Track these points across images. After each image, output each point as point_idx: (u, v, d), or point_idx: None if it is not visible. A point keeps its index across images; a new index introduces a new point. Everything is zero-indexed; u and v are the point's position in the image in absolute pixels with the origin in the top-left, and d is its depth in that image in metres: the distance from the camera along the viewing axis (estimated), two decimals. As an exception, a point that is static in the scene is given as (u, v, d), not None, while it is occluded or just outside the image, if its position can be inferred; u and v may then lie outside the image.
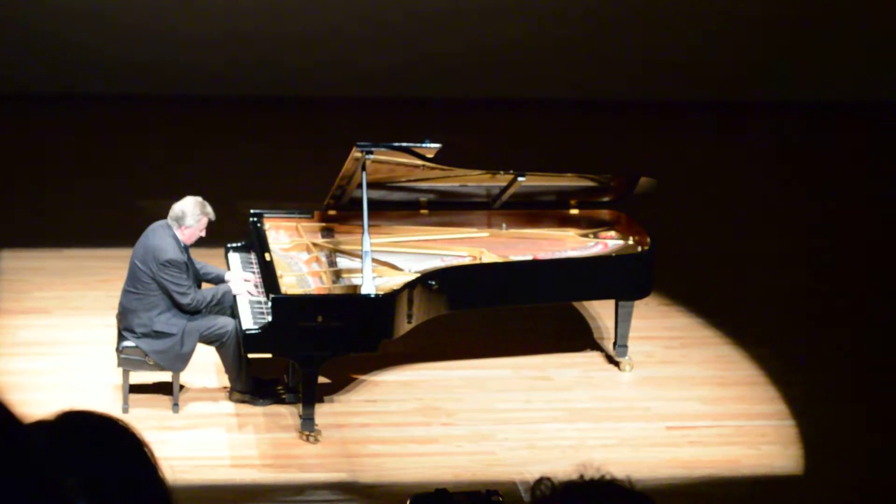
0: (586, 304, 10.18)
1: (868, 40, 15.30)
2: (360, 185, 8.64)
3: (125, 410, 8.45)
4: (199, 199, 8.47)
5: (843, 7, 15.21)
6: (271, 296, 8.22)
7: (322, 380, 8.64)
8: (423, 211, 9.48)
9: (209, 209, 8.46)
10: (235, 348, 8.47)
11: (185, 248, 8.48)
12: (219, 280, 8.73)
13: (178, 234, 8.41)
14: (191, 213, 8.39)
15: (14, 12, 14.25)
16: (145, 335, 8.43)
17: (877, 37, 15.30)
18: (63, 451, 2.22)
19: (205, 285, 8.70)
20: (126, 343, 8.47)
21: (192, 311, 8.43)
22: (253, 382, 8.72)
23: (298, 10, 14.63)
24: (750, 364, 9.67)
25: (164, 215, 8.50)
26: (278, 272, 8.58)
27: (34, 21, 14.26)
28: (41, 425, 2.25)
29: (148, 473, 2.28)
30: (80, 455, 2.24)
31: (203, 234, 8.49)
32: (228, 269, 8.96)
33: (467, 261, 9.08)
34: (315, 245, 9.14)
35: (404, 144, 8.63)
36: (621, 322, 9.32)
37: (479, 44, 14.82)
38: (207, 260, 8.96)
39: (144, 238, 8.50)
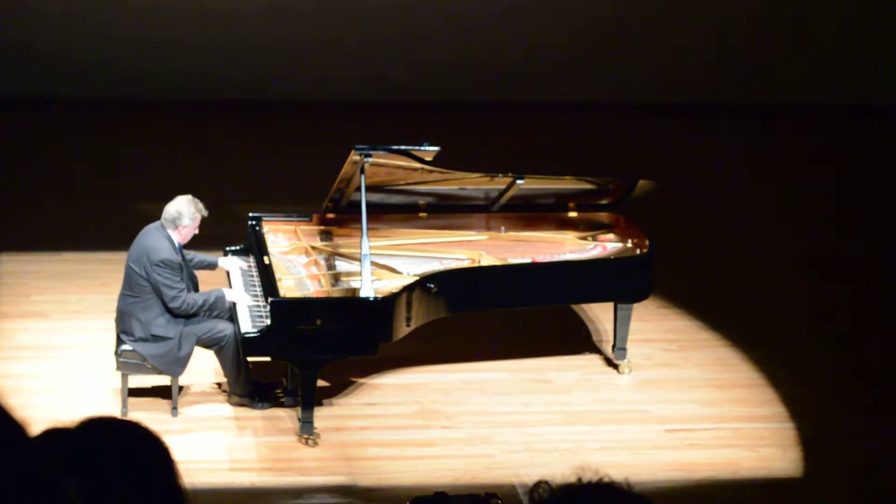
0: (585, 306, 10.18)
1: (874, 43, 15.30)
2: (358, 188, 8.64)
3: (124, 414, 8.43)
4: (191, 196, 8.47)
5: (849, 10, 15.21)
6: (270, 299, 8.22)
7: (321, 383, 8.63)
8: (421, 214, 9.48)
9: (201, 206, 8.46)
10: (234, 352, 8.47)
11: (180, 249, 8.48)
12: (212, 266, 8.75)
13: (174, 235, 8.41)
14: (186, 213, 8.39)
15: (14, 20, 14.26)
16: (143, 339, 8.42)
17: (883, 39, 15.30)
18: (77, 456, 2.22)
19: (200, 285, 8.70)
20: (125, 347, 8.47)
21: (181, 314, 8.41)
22: (252, 386, 8.72)
23: (296, 14, 14.64)
24: (749, 366, 9.67)
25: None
26: (277, 275, 8.58)
27: (32, 27, 14.26)
28: (60, 431, 2.26)
29: (164, 479, 2.28)
30: (96, 460, 2.24)
31: (197, 231, 8.49)
32: (228, 277, 8.93)
33: (466, 264, 9.08)
34: (314, 248, 9.14)
35: (403, 147, 8.63)
36: (620, 325, 9.32)
37: (475, 49, 14.82)
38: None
39: (138, 240, 8.49)
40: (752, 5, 15.12)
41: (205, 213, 8.48)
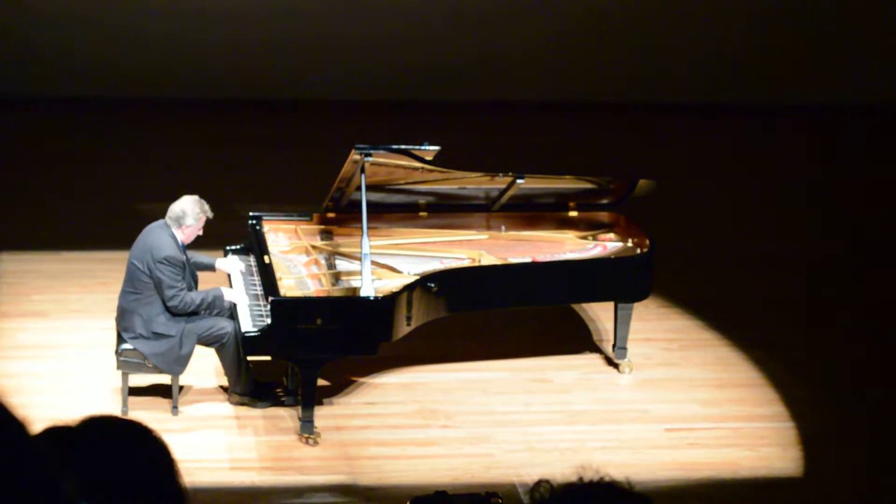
0: (585, 306, 10.18)
1: (874, 43, 15.29)
2: (358, 188, 8.65)
3: (124, 413, 8.43)
4: (197, 197, 8.49)
5: (850, 10, 15.20)
6: (270, 298, 8.22)
7: (321, 382, 8.63)
8: (421, 213, 9.48)
9: (207, 207, 8.47)
10: (235, 350, 8.47)
11: (183, 249, 8.49)
12: (210, 268, 8.75)
13: (178, 233, 8.42)
14: (191, 213, 8.41)
15: (14, 20, 14.26)
16: (144, 337, 8.42)
17: (883, 39, 15.29)
18: (78, 455, 2.23)
19: (200, 284, 8.69)
20: (125, 346, 8.47)
21: (179, 313, 8.41)
22: (252, 385, 8.72)
23: (296, 13, 14.63)
24: (749, 366, 9.67)
25: (163, 218, 8.50)
26: (277, 275, 8.58)
27: (32, 27, 14.26)
28: (61, 429, 2.26)
29: (164, 478, 2.29)
30: (96, 459, 2.24)
31: (200, 232, 8.50)
32: (229, 277, 8.92)
33: (466, 263, 9.07)
34: (314, 247, 9.14)
35: (403, 147, 8.63)
36: (620, 324, 9.32)
37: (474, 49, 14.81)
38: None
39: (142, 238, 8.50)
40: (751, 5, 15.11)
41: (210, 214, 8.50)
